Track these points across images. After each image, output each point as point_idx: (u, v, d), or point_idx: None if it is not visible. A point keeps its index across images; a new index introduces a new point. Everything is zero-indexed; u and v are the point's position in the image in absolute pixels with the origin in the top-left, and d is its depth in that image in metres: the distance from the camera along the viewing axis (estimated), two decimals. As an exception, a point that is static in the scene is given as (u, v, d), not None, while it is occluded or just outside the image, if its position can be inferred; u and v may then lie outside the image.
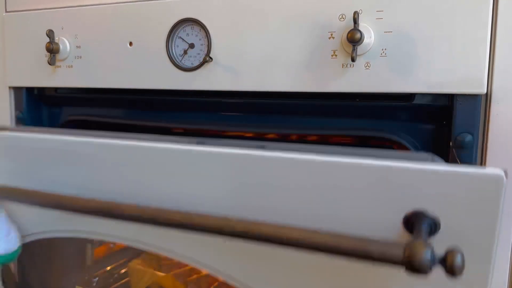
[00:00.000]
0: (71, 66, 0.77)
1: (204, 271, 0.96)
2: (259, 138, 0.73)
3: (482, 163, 0.56)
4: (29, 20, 0.80)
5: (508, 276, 0.56)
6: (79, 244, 0.89)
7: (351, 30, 0.55)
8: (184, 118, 0.74)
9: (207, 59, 0.66)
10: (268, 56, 0.63)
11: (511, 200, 0.55)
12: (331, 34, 0.59)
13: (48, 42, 0.74)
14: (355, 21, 0.55)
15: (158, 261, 0.99)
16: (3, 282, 0.74)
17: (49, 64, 0.75)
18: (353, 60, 0.56)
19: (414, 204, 0.44)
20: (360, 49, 0.56)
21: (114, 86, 0.75)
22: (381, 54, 0.57)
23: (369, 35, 0.56)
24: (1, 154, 0.67)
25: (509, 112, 0.54)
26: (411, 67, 0.56)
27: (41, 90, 0.84)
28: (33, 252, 0.78)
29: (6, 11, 0.83)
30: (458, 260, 0.37)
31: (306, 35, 0.60)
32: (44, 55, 0.79)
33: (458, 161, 0.56)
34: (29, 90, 0.85)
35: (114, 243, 0.96)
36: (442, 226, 0.43)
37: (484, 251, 0.42)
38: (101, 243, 0.93)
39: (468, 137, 0.55)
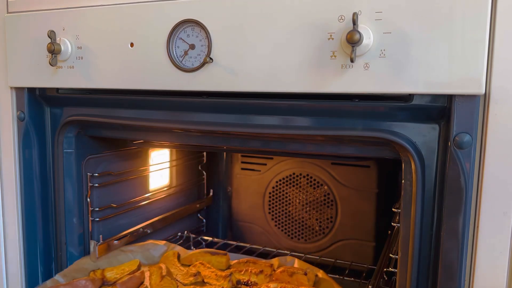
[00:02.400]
0: (73, 67, 0.77)
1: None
2: (259, 138, 0.73)
3: (481, 163, 0.57)
4: (31, 21, 0.80)
5: (507, 275, 0.57)
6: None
7: (350, 31, 0.55)
8: (185, 119, 0.74)
9: (207, 60, 0.66)
10: (268, 57, 0.63)
11: (510, 198, 0.55)
12: (331, 35, 0.59)
13: (50, 43, 0.75)
14: (354, 22, 0.55)
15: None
16: None
17: (51, 64, 0.76)
18: (352, 61, 0.56)
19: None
20: (359, 50, 0.57)
21: (115, 86, 0.75)
22: (380, 54, 0.57)
23: (368, 36, 0.56)
24: None
25: (508, 112, 0.55)
26: (410, 68, 0.56)
27: (43, 90, 0.85)
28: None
29: (7, 12, 0.84)
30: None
31: (305, 36, 0.60)
32: (46, 56, 0.79)
33: (457, 161, 0.56)
34: (31, 90, 0.85)
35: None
36: None
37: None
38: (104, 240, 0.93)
39: (467, 137, 0.56)
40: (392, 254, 0.77)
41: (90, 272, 0.88)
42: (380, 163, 1.12)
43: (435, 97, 0.57)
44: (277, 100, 0.66)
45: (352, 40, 0.55)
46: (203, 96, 0.72)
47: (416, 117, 0.60)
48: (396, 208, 0.79)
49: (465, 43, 0.53)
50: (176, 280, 0.87)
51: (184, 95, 0.73)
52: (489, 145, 0.56)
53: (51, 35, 0.75)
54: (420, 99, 0.58)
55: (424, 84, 0.56)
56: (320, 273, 0.86)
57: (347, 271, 1.02)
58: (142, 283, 0.87)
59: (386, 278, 0.85)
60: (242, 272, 0.87)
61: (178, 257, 0.95)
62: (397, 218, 0.77)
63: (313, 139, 0.69)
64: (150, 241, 1.01)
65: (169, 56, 0.69)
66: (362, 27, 0.56)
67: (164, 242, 1.01)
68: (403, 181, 0.62)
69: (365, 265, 1.08)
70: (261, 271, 0.87)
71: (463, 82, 0.54)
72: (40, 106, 0.87)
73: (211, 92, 0.69)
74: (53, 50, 0.75)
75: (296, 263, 0.90)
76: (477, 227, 0.57)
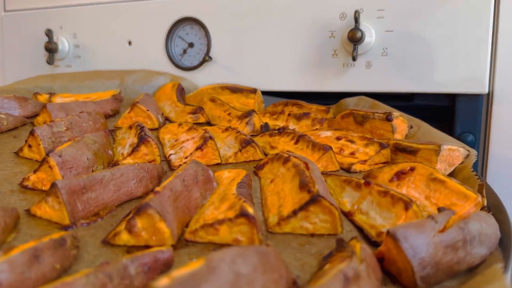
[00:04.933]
0: (70, 66, 0.76)
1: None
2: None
3: (484, 163, 0.56)
4: (28, 20, 0.79)
5: (509, 275, 0.56)
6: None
7: (352, 29, 0.54)
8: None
9: (206, 58, 0.65)
10: (268, 55, 0.62)
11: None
12: (332, 34, 0.58)
13: (47, 42, 0.74)
14: (356, 20, 0.54)
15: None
16: None
17: (48, 63, 0.75)
18: (354, 59, 0.55)
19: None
20: (360, 48, 0.56)
21: (113, 85, 0.74)
22: (382, 53, 0.56)
23: (370, 34, 0.56)
24: None
25: (511, 112, 0.54)
26: (412, 67, 0.55)
27: (40, 89, 0.84)
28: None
29: (5, 11, 0.83)
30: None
31: (306, 34, 0.60)
32: (43, 55, 0.78)
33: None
34: (28, 89, 0.84)
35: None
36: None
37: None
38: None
39: (470, 137, 0.55)
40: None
41: (34, 94, 0.64)
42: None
43: (438, 96, 0.57)
44: (277, 99, 0.66)
45: (354, 38, 0.54)
46: (202, 96, 0.71)
47: (419, 117, 0.60)
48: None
49: (468, 42, 0.53)
50: (163, 120, 0.57)
51: (183, 94, 0.72)
52: (492, 145, 0.55)
53: (49, 33, 0.74)
54: (422, 99, 0.58)
55: (427, 83, 0.55)
56: (419, 124, 0.50)
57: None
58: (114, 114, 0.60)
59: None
60: (275, 116, 0.56)
61: (181, 91, 0.64)
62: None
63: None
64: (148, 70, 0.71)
65: (168, 55, 0.68)
66: (364, 25, 0.56)
67: (166, 73, 0.70)
68: (405, 182, 0.62)
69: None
70: (306, 114, 0.53)
71: (466, 81, 0.54)
72: (38, 106, 0.86)
73: (211, 91, 0.68)
74: (51, 49, 0.74)
75: (372, 104, 0.55)
76: (480, 228, 0.56)
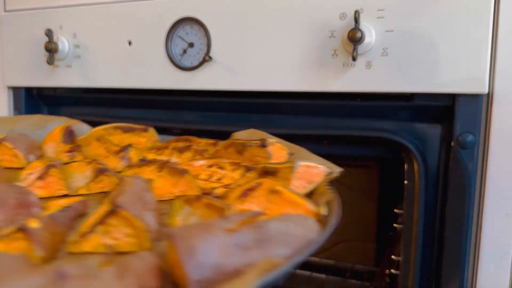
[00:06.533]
0: (70, 66, 0.76)
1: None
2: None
3: (484, 163, 0.56)
4: (28, 19, 0.79)
5: (510, 277, 0.56)
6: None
7: (352, 29, 0.54)
8: (184, 118, 0.74)
9: (206, 58, 0.65)
10: (268, 55, 0.62)
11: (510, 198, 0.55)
12: (332, 33, 0.58)
13: (47, 42, 0.74)
14: (356, 20, 0.54)
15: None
16: None
17: (48, 63, 0.75)
18: (354, 59, 0.55)
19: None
20: (361, 48, 0.56)
21: (113, 85, 0.74)
22: (382, 53, 0.56)
23: (370, 34, 0.56)
24: None
25: (511, 112, 0.54)
26: (412, 67, 0.55)
27: (40, 90, 0.84)
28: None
29: (5, 11, 0.83)
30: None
31: (306, 34, 0.60)
32: (43, 55, 0.78)
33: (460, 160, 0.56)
34: (28, 90, 0.84)
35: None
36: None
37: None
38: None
39: (470, 137, 0.55)
40: (394, 256, 0.77)
41: None
42: (382, 164, 1.11)
43: (438, 96, 0.57)
44: (278, 99, 0.66)
45: (354, 38, 0.54)
46: (202, 95, 0.71)
47: (419, 117, 0.60)
48: (399, 209, 0.78)
49: (468, 42, 0.53)
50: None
51: (183, 94, 0.72)
52: (492, 145, 0.55)
53: (49, 33, 0.74)
54: (422, 99, 0.57)
55: (427, 83, 0.55)
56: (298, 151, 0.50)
57: (348, 273, 1.02)
58: None
59: (388, 281, 0.84)
60: (160, 152, 0.55)
61: (70, 133, 0.63)
62: (400, 219, 0.76)
63: (314, 138, 0.68)
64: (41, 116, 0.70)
65: (168, 55, 0.68)
66: (364, 25, 0.56)
67: (62, 117, 0.70)
68: (405, 182, 0.62)
69: (367, 267, 1.07)
70: (188, 147, 0.53)
71: (466, 81, 0.53)
72: (38, 106, 0.86)
73: (211, 91, 0.69)
74: (51, 49, 0.74)
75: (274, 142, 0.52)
76: (480, 228, 0.56)
